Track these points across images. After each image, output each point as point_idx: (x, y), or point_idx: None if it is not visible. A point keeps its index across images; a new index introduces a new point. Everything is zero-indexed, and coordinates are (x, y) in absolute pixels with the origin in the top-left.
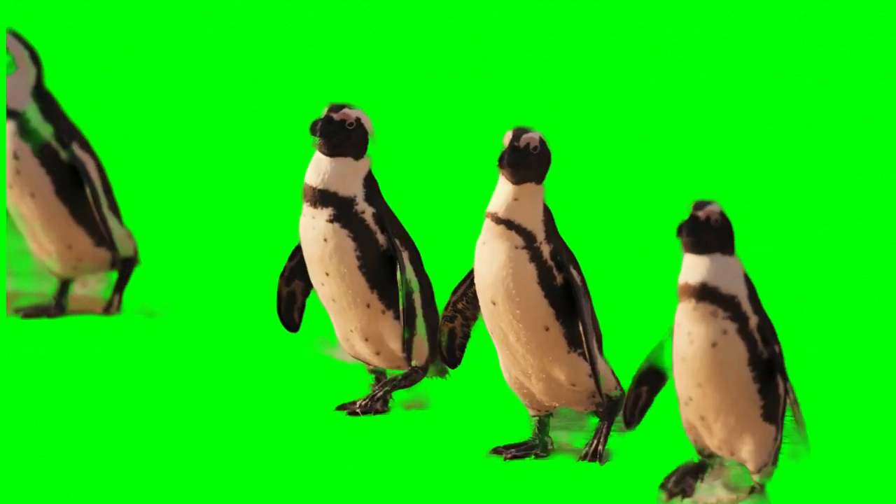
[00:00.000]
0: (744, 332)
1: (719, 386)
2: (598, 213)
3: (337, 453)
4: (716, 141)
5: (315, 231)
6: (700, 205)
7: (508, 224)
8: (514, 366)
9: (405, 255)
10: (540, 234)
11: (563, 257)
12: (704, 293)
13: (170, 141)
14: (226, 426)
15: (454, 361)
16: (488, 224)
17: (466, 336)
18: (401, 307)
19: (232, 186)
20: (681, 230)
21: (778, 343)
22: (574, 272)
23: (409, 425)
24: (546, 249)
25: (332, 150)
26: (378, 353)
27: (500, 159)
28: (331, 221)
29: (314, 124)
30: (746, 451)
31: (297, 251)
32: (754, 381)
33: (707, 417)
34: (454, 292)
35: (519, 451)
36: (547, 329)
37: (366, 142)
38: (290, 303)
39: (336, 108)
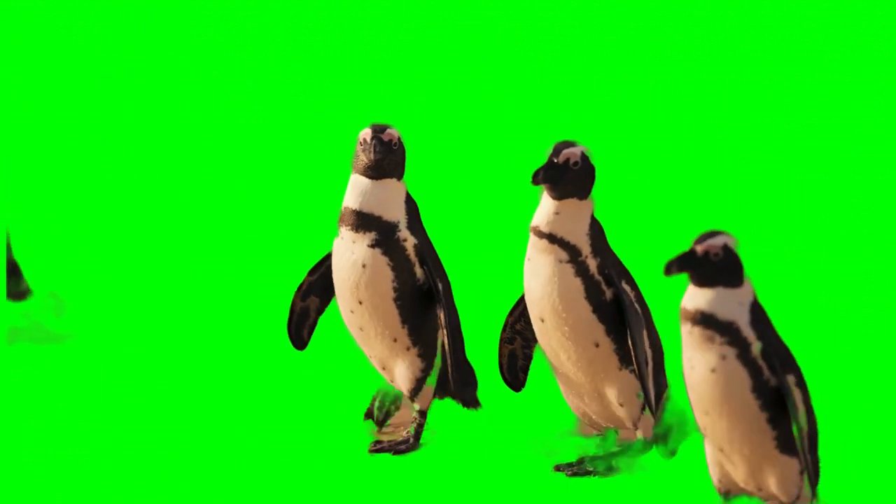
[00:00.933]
0: (744, 357)
1: (725, 414)
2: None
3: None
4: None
5: (354, 256)
6: (702, 238)
7: (551, 238)
8: (568, 385)
9: (441, 289)
10: (585, 248)
11: (613, 272)
12: (700, 318)
13: (166, 148)
14: (222, 436)
15: (517, 384)
16: (532, 239)
17: (528, 358)
18: (445, 345)
19: (236, 197)
20: (671, 265)
21: (794, 372)
22: (627, 287)
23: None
24: (593, 263)
25: (379, 173)
26: (393, 381)
27: (535, 175)
28: (372, 246)
29: (374, 148)
30: (772, 484)
31: (318, 267)
32: (762, 409)
33: (724, 448)
34: (511, 313)
35: (579, 468)
36: (597, 345)
37: (404, 160)
38: (301, 319)
39: (380, 128)
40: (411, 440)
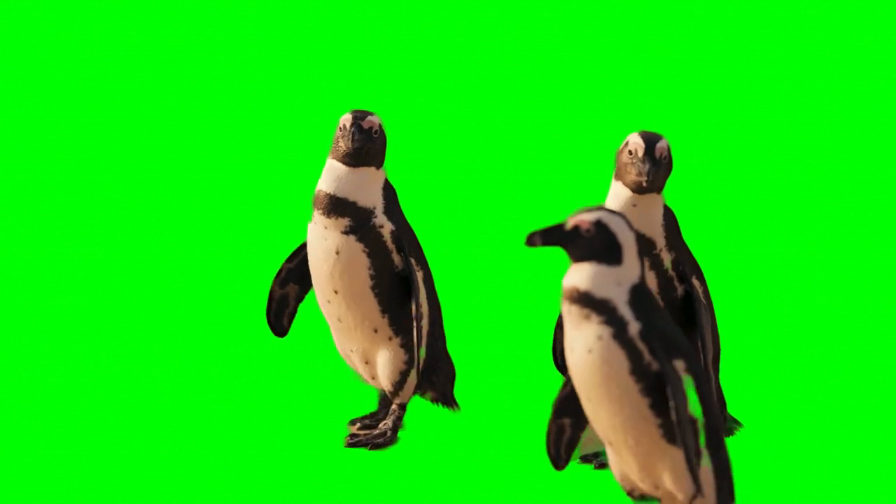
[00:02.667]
0: (622, 338)
1: (603, 399)
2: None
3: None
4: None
5: (327, 242)
6: (577, 214)
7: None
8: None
9: (419, 276)
10: (660, 241)
11: (686, 267)
12: (576, 296)
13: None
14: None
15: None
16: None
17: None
18: (415, 335)
19: (217, 186)
20: (533, 235)
21: (686, 359)
22: (696, 283)
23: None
24: (667, 258)
25: (358, 161)
26: (374, 378)
27: (646, 175)
28: (346, 233)
29: (352, 136)
30: (666, 479)
31: (297, 254)
32: (642, 394)
33: (612, 442)
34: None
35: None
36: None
37: (384, 149)
38: (281, 307)
39: (361, 115)
40: (389, 433)
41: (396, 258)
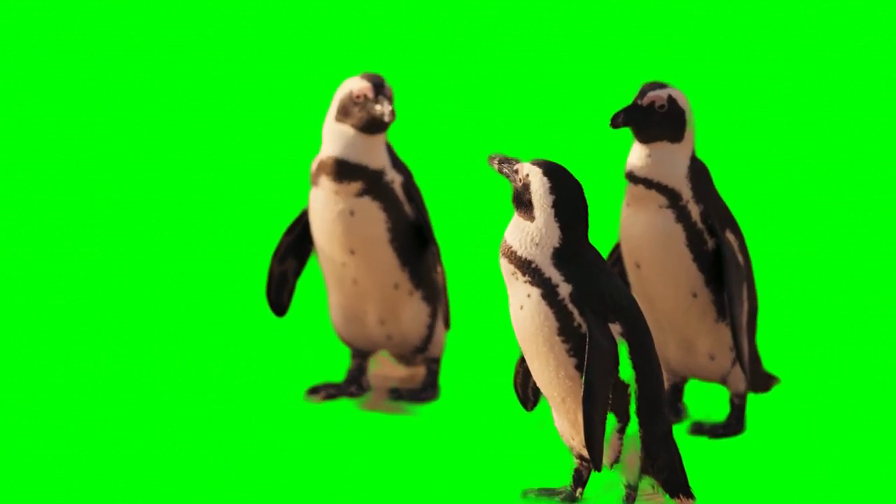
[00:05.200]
0: (550, 298)
1: (534, 354)
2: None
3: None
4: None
5: (339, 206)
6: (502, 161)
7: (647, 183)
8: (658, 332)
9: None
10: (686, 193)
11: (716, 220)
12: (505, 250)
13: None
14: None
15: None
16: (629, 186)
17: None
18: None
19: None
20: (493, 159)
21: (620, 320)
22: (731, 237)
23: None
24: (695, 210)
25: (381, 130)
26: (390, 338)
27: (615, 117)
28: (359, 195)
29: (388, 110)
30: (581, 440)
31: (295, 226)
32: (569, 353)
33: (545, 394)
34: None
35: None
36: (695, 295)
37: None
38: (280, 284)
39: (380, 82)
40: (430, 390)
41: (408, 209)
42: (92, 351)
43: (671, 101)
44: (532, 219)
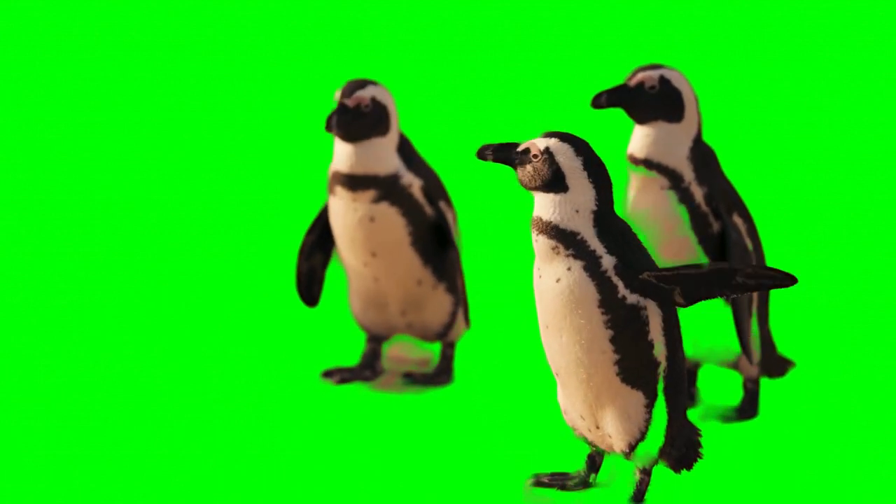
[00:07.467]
0: (593, 270)
1: (563, 328)
2: None
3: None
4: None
5: (358, 213)
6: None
7: (647, 164)
8: None
9: (451, 218)
10: (688, 174)
11: (722, 204)
12: (543, 227)
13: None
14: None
15: None
16: (631, 169)
17: None
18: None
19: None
20: (485, 150)
21: (675, 289)
22: (738, 220)
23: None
24: (698, 192)
25: (355, 138)
26: (410, 326)
27: (597, 97)
28: (376, 202)
29: (329, 119)
30: (609, 422)
31: (316, 225)
32: (607, 326)
33: (560, 373)
34: None
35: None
36: None
37: (387, 116)
38: (309, 278)
39: (348, 92)
40: (445, 374)
41: (429, 209)
42: (118, 334)
43: (663, 81)
44: (564, 188)
